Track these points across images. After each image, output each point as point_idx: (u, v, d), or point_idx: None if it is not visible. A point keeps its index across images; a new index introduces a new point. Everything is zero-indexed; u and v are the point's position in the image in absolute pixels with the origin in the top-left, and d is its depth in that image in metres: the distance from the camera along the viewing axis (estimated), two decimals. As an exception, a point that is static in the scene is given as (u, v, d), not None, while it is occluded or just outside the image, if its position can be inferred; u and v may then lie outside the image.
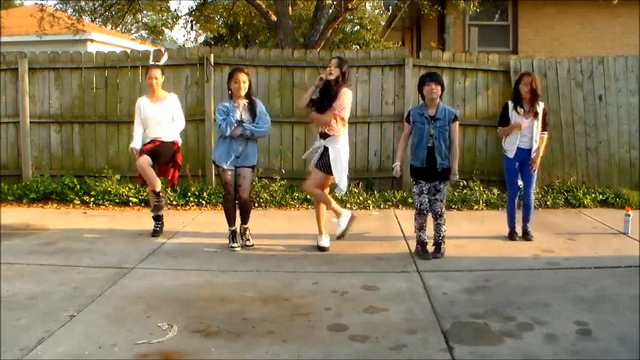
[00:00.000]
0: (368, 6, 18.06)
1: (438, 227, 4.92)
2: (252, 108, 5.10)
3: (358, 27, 19.26)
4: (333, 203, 5.18)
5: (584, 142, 7.46)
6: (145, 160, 5.33)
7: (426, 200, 4.88)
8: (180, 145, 5.66)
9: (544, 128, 5.34)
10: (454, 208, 6.86)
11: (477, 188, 7.17)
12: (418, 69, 7.53)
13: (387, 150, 7.61)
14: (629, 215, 5.65)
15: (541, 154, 5.37)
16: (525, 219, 5.50)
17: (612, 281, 4.23)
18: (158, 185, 5.43)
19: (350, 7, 10.84)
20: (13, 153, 7.75)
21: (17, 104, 7.65)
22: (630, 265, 4.61)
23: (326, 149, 4.96)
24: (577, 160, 7.45)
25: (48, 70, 7.68)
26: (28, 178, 7.56)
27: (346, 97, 4.92)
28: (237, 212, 5.23)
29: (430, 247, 4.97)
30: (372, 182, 7.52)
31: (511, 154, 5.37)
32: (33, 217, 6.41)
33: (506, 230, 5.58)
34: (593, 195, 7.15)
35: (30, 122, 7.64)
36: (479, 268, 4.60)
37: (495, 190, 7.19)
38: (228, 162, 5.09)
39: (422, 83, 4.81)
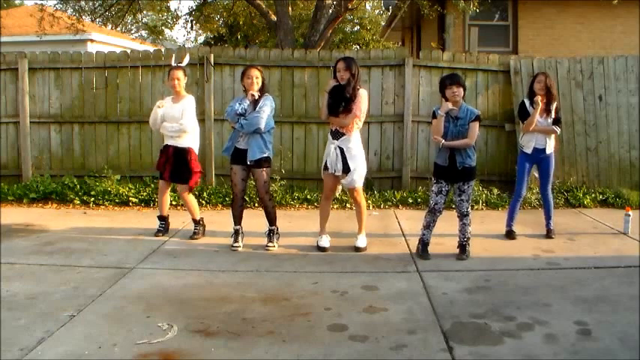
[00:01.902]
0: (368, 6, 18.07)
1: (463, 228, 4.90)
2: (256, 102, 5.04)
3: (358, 27, 19.26)
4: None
5: (584, 142, 7.46)
6: (163, 187, 5.59)
7: (442, 201, 4.87)
8: (195, 152, 5.51)
9: (555, 122, 5.43)
10: (454, 208, 6.84)
11: (476, 188, 7.15)
12: (418, 69, 7.54)
13: (387, 150, 7.61)
14: (629, 215, 5.66)
15: (553, 145, 5.51)
16: (547, 217, 5.60)
17: (612, 281, 4.24)
18: (165, 211, 5.66)
19: (350, 7, 10.83)
20: (13, 153, 7.75)
21: (17, 104, 7.65)
22: (630, 265, 4.62)
23: (341, 150, 4.97)
24: (577, 160, 7.45)
25: (48, 70, 7.68)
26: (28, 178, 7.56)
27: (364, 100, 4.99)
28: (262, 212, 5.26)
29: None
30: (372, 182, 7.52)
31: (529, 150, 5.46)
32: (33, 217, 6.41)
33: (506, 229, 5.59)
34: (593, 195, 7.15)
35: (30, 122, 7.64)
36: (479, 268, 4.60)
37: (495, 190, 7.19)
38: (231, 153, 5.10)
39: (444, 85, 4.78)
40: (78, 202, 7.08)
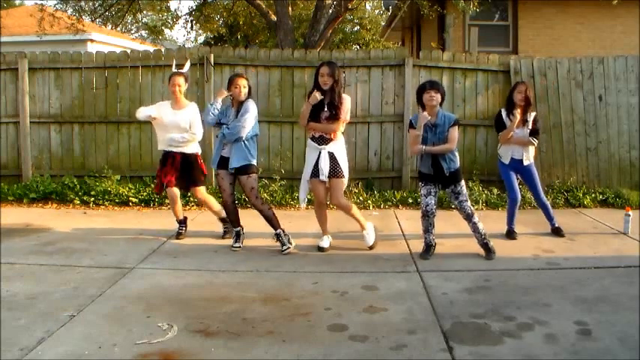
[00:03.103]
0: (368, 6, 18.06)
1: (475, 227, 4.87)
2: (239, 107, 5.05)
3: (358, 27, 19.26)
4: (356, 210, 5.18)
5: (584, 142, 7.46)
6: (174, 194, 5.45)
7: (432, 202, 4.83)
8: (200, 154, 5.59)
9: (533, 134, 5.41)
10: (454, 208, 6.84)
11: (476, 188, 7.17)
12: (418, 69, 7.54)
13: (387, 150, 7.61)
14: (629, 215, 5.66)
15: (532, 155, 5.53)
16: (549, 219, 5.65)
17: (612, 281, 4.23)
18: (181, 215, 5.62)
19: (350, 7, 10.83)
20: (13, 153, 7.76)
21: (17, 104, 7.66)
22: (630, 265, 4.62)
23: (331, 154, 4.94)
24: (577, 160, 7.45)
25: (48, 70, 7.69)
26: (28, 178, 7.57)
27: (348, 103, 4.98)
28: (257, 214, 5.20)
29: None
30: (372, 182, 7.52)
31: (506, 160, 5.51)
32: (33, 217, 6.41)
33: (506, 229, 5.59)
34: (593, 195, 7.16)
35: (30, 122, 7.65)
36: (479, 268, 4.60)
37: (495, 190, 7.20)
38: (217, 162, 5.12)
39: (421, 91, 4.76)
40: (78, 202, 7.09)
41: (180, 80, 5.38)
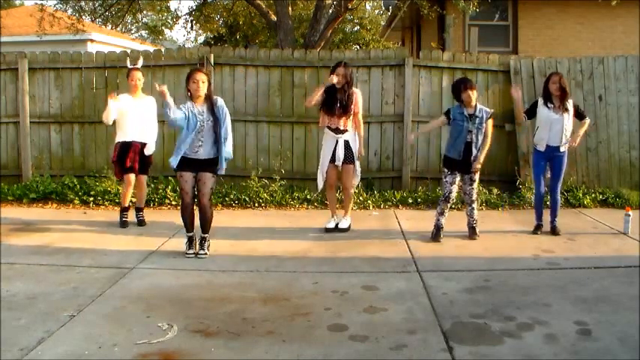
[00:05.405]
0: (368, 6, 18.06)
1: (472, 212, 5.50)
2: (211, 108, 4.84)
3: (358, 27, 19.26)
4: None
5: (584, 142, 7.43)
6: (132, 180, 6.01)
7: (455, 190, 5.43)
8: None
9: (583, 117, 5.67)
10: (454, 209, 6.84)
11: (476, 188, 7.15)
12: (418, 69, 7.54)
13: (387, 150, 7.61)
14: (629, 215, 5.66)
15: (581, 135, 5.67)
16: (552, 216, 5.74)
17: (612, 281, 4.24)
18: (127, 203, 6.10)
19: (350, 7, 10.83)
20: (13, 153, 7.75)
21: (17, 104, 7.65)
22: (630, 265, 4.62)
23: (347, 142, 5.64)
24: (577, 160, 7.45)
25: (48, 70, 7.69)
26: (28, 178, 7.57)
27: (360, 98, 5.69)
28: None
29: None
30: (372, 182, 7.52)
31: (542, 147, 5.60)
32: (33, 217, 6.41)
33: (506, 229, 5.64)
34: (593, 195, 7.15)
35: (30, 122, 7.65)
36: (479, 268, 4.60)
37: (495, 190, 7.19)
38: (185, 162, 4.85)
39: (459, 89, 5.31)
40: (78, 202, 7.09)
41: (139, 74, 5.98)
